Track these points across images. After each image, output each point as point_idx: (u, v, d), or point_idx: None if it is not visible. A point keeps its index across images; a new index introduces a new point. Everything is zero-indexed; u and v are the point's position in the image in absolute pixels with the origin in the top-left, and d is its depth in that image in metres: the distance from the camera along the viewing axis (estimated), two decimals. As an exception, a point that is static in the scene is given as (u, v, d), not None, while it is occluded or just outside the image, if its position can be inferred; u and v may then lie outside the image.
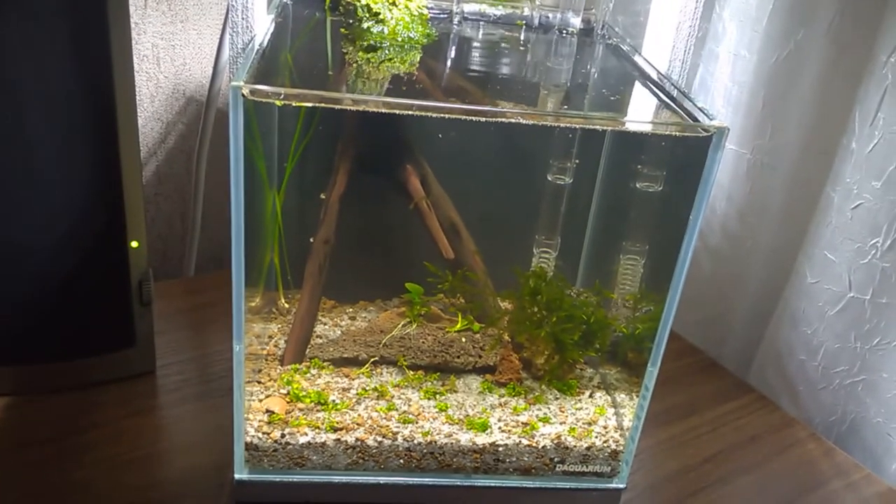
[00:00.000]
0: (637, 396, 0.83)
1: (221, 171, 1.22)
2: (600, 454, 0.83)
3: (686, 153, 0.81)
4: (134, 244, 0.86)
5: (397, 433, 0.80)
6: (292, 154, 0.93)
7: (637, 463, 0.91)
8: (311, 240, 0.89)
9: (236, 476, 0.78)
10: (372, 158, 0.91)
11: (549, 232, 1.01)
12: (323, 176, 0.91)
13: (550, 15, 0.95)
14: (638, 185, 0.91)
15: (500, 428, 0.83)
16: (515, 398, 0.88)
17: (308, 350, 0.92)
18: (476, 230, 0.96)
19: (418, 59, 0.83)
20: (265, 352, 0.92)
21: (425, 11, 0.88)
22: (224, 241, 1.22)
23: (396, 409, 0.84)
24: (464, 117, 0.70)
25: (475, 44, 0.92)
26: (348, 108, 0.71)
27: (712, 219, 1.20)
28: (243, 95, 0.63)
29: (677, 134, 0.75)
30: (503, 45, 0.93)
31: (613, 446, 0.83)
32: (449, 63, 0.87)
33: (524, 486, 0.82)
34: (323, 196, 0.90)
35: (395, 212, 0.99)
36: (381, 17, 0.84)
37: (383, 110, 0.70)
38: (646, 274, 0.94)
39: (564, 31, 0.95)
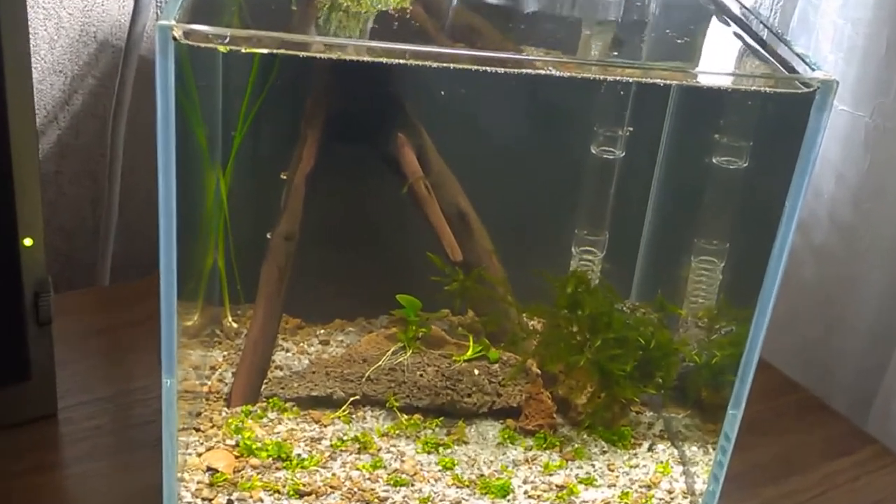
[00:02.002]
0: (714, 449, 0.83)
1: (146, 143, 1.22)
2: (664, 528, 0.83)
3: (780, 116, 0.80)
4: (27, 242, 0.86)
5: (386, 499, 0.81)
6: (242, 119, 0.93)
7: (714, 540, 0.91)
8: (269, 235, 0.89)
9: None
10: (350, 125, 0.91)
11: (593, 225, 1.00)
12: (284, 149, 0.91)
13: (594, -73, 0.95)
14: (715, 161, 0.91)
15: (526, 493, 0.83)
16: (547, 452, 0.88)
17: (264, 386, 0.92)
18: (493, 222, 0.95)
19: (414, -12, 0.84)
20: (206, 388, 0.92)
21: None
22: (150, 238, 1.23)
23: (385, 467, 0.84)
24: (475, 68, 0.70)
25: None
26: (318, 55, 0.71)
27: (817, 206, 1.20)
28: (175, 38, 0.63)
29: (768, 90, 0.75)
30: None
31: (682, 518, 0.84)
32: (455, -6, 0.87)
33: (559, 571, 0.83)
34: (284, 176, 0.90)
35: (382, 197, 0.99)
36: (362, -69, 0.84)
37: (366, 59, 0.70)
38: (726, 281, 0.94)
39: (614, -50, 0.96)
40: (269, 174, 0.93)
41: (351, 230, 1.01)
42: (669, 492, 0.86)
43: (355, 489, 0.81)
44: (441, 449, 0.87)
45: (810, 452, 1.05)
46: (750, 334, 0.76)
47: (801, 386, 1.16)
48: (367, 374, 0.92)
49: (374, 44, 0.73)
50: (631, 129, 0.97)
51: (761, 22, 0.81)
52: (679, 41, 0.83)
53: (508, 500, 0.83)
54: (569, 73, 0.72)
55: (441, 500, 0.82)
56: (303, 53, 0.72)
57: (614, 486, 0.86)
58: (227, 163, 0.93)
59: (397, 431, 0.89)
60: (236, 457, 0.83)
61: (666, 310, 0.93)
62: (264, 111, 0.94)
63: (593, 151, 0.98)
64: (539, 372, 0.94)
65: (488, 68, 0.71)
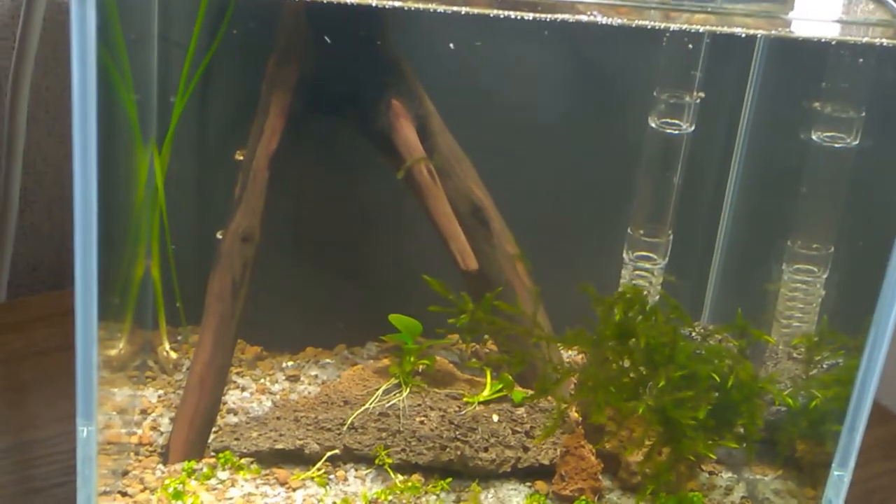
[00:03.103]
0: None
1: (57, 116, 1.22)
2: None
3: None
4: None
5: None
6: (185, 82, 0.94)
7: None
8: (220, 236, 0.90)
9: None
10: (328, 89, 0.92)
11: (652, 222, 1.01)
12: (240, 121, 0.92)
13: None
14: (815, 138, 0.91)
15: None
16: (590, 525, 0.89)
17: (213, 436, 0.92)
18: (519, 219, 0.96)
19: None
20: (135, 438, 0.92)
21: None
22: (61, 241, 1.23)
23: (373, 545, 0.85)
24: (496, 13, 0.70)
25: None
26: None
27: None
28: (96, -27, 0.64)
29: (886, 43, 0.75)
30: None
31: None
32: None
33: None
34: (240, 157, 0.90)
35: (370, 186, 1.00)
36: None
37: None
38: (830, 298, 0.94)
39: None
40: (221, 155, 0.94)
41: (328, 230, 1.02)
42: (754, 579, 0.86)
43: (334, 574, 0.82)
44: (449, 521, 0.88)
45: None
46: (862, 369, 0.76)
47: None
48: (349, 421, 0.92)
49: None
50: (703, 94, 0.97)
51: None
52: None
53: (538, 590, 0.83)
54: (620, 20, 0.72)
55: (448, 590, 0.82)
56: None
57: (680, 571, 0.86)
58: (165, 140, 0.94)
59: (390, 497, 0.89)
60: (175, 530, 0.84)
61: (749, 336, 0.93)
62: (214, 71, 0.94)
63: (652, 125, 0.98)
64: (579, 419, 0.95)
65: (513, 13, 0.71)
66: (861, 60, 0.87)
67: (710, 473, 0.97)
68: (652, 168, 0.99)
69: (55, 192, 1.22)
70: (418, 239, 0.95)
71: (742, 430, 0.91)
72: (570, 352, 1.04)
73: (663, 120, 0.97)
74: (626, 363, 0.91)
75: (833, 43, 0.85)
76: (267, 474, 0.90)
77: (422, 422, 0.92)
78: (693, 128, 0.98)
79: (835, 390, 0.86)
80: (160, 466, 0.90)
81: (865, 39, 0.78)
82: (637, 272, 1.01)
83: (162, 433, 0.94)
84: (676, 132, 0.97)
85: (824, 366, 0.92)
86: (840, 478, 0.80)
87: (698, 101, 0.97)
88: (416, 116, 0.91)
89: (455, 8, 0.72)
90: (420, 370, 0.97)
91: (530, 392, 0.95)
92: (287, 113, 0.89)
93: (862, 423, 0.78)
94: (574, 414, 0.95)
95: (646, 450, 0.91)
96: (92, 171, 0.67)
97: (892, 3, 0.76)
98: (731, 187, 1.02)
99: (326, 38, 0.88)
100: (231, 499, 0.87)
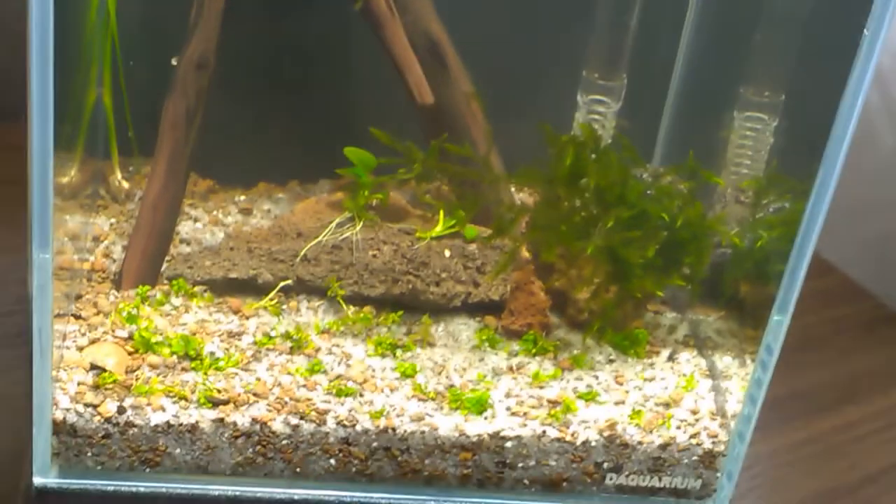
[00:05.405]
0: (753, 362, 0.85)
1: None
2: (684, 458, 0.86)
3: None
4: None
5: (326, 414, 0.83)
6: None
7: (748, 478, 0.95)
8: (174, 62, 0.90)
9: (36, 480, 0.80)
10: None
11: (606, 66, 1.01)
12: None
13: None
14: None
15: (508, 409, 0.86)
16: (538, 359, 0.91)
17: (166, 265, 0.93)
18: (474, 56, 0.97)
19: None
20: (88, 265, 0.93)
21: None
22: (4, 62, 1.22)
23: (325, 373, 0.86)
24: None
25: None
26: None
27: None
28: None
29: None
30: None
31: (709, 445, 0.86)
32: None
33: (548, 509, 0.86)
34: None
35: (327, 15, 0.99)
36: None
37: None
38: (779, 144, 0.96)
39: None
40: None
41: (285, 60, 1.02)
42: (693, 412, 0.89)
43: (286, 398, 0.84)
44: (399, 352, 0.90)
45: (875, 376, 1.09)
46: (807, 213, 0.77)
47: (870, 293, 1.19)
48: (302, 252, 0.93)
49: None
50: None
51: None
52: None
53: (486, 418, 0.85)
54: None
55: (399, 416, 0.84)
56: None
57: (622, 403, 0.89)
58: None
59: (342, 328, 0.91)
60: (129, 353, 0.85)
61: (699, 178, 0.95)
62: None
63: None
64: (530, 257, 0.97)
65: None
66: None
67: (655, 313, 1.00)
68: (607, 10, 0.99)
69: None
70: (375, 72, 0.95)
71: (689, 270, 0.93)
72: (522, 193, 1.05)
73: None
74: (577, 202, 0.93)
75: None
76: (220, 302, 0.92)
77: (374, 255, 0.93)
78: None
79: (780, 230, 0.88)
80: (113, 292, 0.91)
81: None
82: (591, 115, 1.02)
83: (114, 260, 0.95)
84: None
85: (771, 209, 0.94)
86: (779, 322, 0.81)
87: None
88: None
89: None
90: (373, 204, 0.98)
91: (482, 229, 0.97)
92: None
93: (804, 266, 0.79)
94: (525, 253, 0.97)
95: (594, 288, 0.94)
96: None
97: None
98: (687, 32, 1.03)
99: None
100: (185, 324, 0.88)
